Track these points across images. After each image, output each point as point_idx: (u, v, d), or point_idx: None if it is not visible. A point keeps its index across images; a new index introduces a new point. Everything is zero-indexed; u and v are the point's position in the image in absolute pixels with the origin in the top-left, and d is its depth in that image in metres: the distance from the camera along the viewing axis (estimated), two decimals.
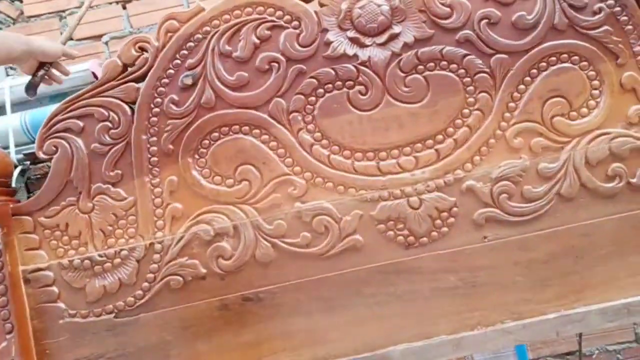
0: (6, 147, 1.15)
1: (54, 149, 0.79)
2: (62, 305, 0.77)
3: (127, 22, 1.13)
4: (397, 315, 0.75)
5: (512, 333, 0.74)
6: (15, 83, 1.18)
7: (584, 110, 0.77)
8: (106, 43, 1.12)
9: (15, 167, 1.08)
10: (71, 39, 1.13)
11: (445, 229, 0.76)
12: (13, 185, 0.85)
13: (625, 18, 0.77)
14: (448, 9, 0.78)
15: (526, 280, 0.75)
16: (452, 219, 0.76)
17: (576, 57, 0.77)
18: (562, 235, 0.76)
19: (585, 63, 0.77)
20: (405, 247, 0.77)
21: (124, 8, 1.11)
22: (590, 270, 0.75)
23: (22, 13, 1.10)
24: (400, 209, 0.76)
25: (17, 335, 0.73)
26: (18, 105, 1.21)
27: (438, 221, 0.76)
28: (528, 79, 0.77)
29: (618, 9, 0.77)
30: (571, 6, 0.77)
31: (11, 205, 0.79)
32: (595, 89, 0.77)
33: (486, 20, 0.77)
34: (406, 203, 0.76)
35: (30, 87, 0.89)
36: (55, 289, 0.77)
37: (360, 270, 0.76)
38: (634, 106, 0.76)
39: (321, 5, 0.79)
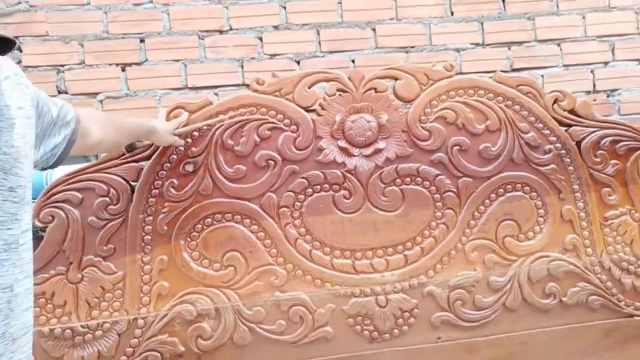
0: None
1: (51, 218, 0.86)
2: None
3: (125, 84, 1.21)
4: None
5: None
6: None
7: (530, 234, 0.94)
8: (101, 101, 1.20)
9: None
10: (66, 92, 1.20)
11: (405, 327, 0.90)
12: None
13: (569, 160, 0.95)
14: (427, 133, 0.93)
15: None
16: (412, 319, 0.90)
17: (528, 188, 0.95)
18: (504, 342, 0.91)
19: (534, 194, 0.95)
20: (370, 341, 0.89)
21: (123, 70, 1.20)
22: None
23: (20, 62, 1.16)
24: (369, 306, 0.89)
25: None
26: None
27: (400, 320, 0.90)
28: (487, 201, 0.94)
29: (564, 151, 0.95)
30: (527, 144, 0.95)
31: None
32: (541, 216, 0.94)
33: (457, 147, 0.93)
34: (374, 301, 0.89)
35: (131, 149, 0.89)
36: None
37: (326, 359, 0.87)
38: (569, 235, 0.94)
39: (318, 114, 0.92)
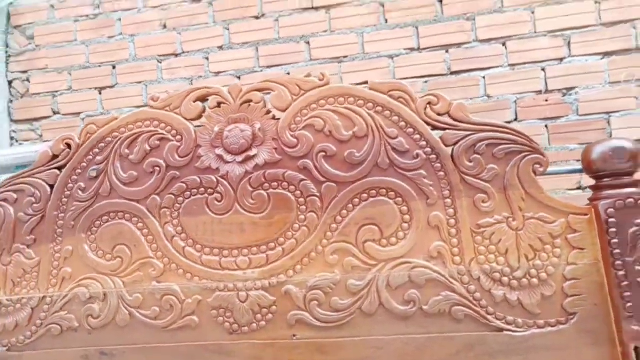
0: None
1: None
2: None
3: (100, 105, 1.49)
4: None
5: None
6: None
7: (393, 239, 0.97)
8: (82, 119, 1.49)
9: None
10: (58, 112, 1.51)
11: (263, 322, 0.99)
12: None
13: (439, 165, 0.96)
14: (295, 140, 1.02)
15: None
16: (270, 315, 0.99)
17: (393, 193, 0.98)
18: (358, 345, 0.95)
19: (400, 199, 0.97)
20: (230, 332, 1.00)
21: (100, 93, 1.47)
22: None
23: (28, 90, 1.50)
24: (230, 300, 1.00)
25: None
26: None
27: (259, 315, 0.99)
28: (350, 206, 0.99)
29: (434, 156, 0.96)
30: (394, 149, 0.98)
31: None
32: (406, 222, 0.97)
33: (323, 153, 1.01)
34: (236, 296, 1.00)
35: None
36: None
37: (191, 345, 1.01)
38: (436, 242, 0.95)
39: (199, 126, 1.06)
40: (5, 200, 1.14)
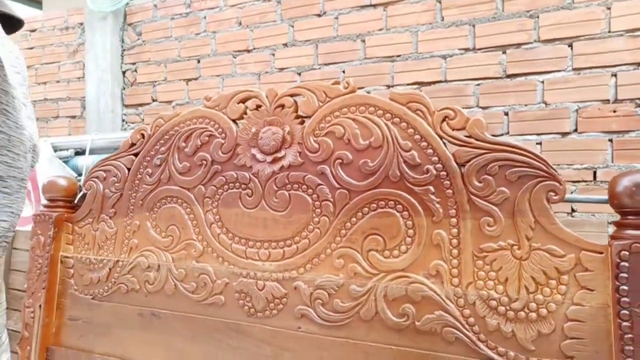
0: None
1: (90, 186, 1.39)
2: (72, 281, 1.38)
3: (187, 95, 1.70)
4: (227, 359, 1.13)
5: None
6: (95, 137, 1.92)
7: (396, 252, 1.00)
8: (173, 107, 1.72)
9: (80, 190, 1.76)
10: (156, 100, 1.77)
11: (275, 311, 1.10)
12: (77, 201, 1.50)
13: (448, 182, 0.96)
14: (317, 146, 1.09)
15: None
16: (281, 306, 1.10)
17: (400, 206, 1.00)
18: (352, 347, 1.01)
19: (406, 213, 0.99)
20: (248, 315, 1.13)
21: (187, 84, 1.68)
22: None
23: (135, 80, 1.77)
24: (250, 286, 1.13)
25: (47, 291, 1.37)
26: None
27: (272, 304, 1.11)
28: (359, 214, 1.04)
29: (444, 173, 0.96)
30: (406, 162, 1.00)
31: (65, 215, 1.42)
32: (409, 236, 0.99)
33: (340, 160, 1.06)
34: (255, 284, 1.13)
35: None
36: (71, 271, 1.39)
37: (217, 320, 1.17)
38: (436, 260, 0.96)
39: (240, 126, 1.18)
40: (97, 177, 1.40)
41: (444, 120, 0.97)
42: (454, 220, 0.95)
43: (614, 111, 1.12)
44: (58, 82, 2.35)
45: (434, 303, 0.95)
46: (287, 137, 1.13)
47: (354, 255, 1.04)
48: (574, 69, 1.16)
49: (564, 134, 1.24)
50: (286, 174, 1.13)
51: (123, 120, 1.96)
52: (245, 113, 1.20)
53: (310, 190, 1.10)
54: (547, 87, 1.19)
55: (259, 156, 1.17)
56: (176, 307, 1.24)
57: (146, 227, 1.31)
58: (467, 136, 0.95)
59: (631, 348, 0.77)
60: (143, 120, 1.90)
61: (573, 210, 1.24)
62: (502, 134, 1.30)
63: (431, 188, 0.97)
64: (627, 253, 0.79)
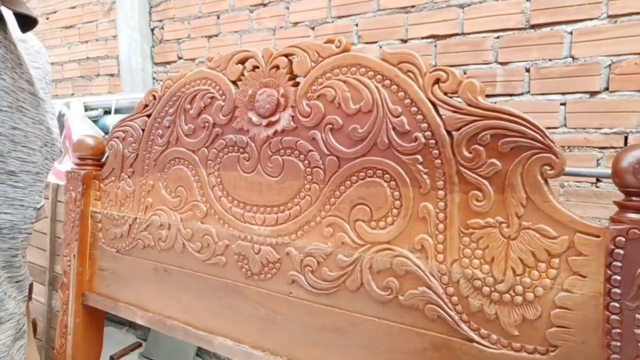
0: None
1: (111, 146, 1.45)
2: (100, 235, 1.47)
3: (208, 51, 1.67)
4: (227, 317, 1.17)
5: None
6: (120, 97, 1.94)
7: (382, 223, 0.95)
8: (196, 64, 1.70)
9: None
10: (181, 58, 1.76)
11: (269, 275, 1.11)
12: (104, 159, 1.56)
13: (437, 152, 0.88)
14: (309, 110, 1.04)
15: (305, 336, 1.05)
16: (274, 270, 1.10)
17: (387, 176, 0.94)
18: (338, 316, 1.01)
19: (393, 183, 0.94)
20: (245, 277, 1.15)
21: (208, 41, 1.65)
22: (346, 351, 0.98)
23: (163, 37, 1.77)
24: (247, 250, 1.14)
25: (80, 243, 1.47)
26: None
27: (266, 268, 1.11)
28: (348, 182, 0.99)
29: (433, 141, 0.88)
30: (394, 129, 0.93)
31: (93, 173, 1.50)
32: (396, 208, 0.93)
33: (330, 126, 1.01)
34: (251, 247, 1.13)
35: None
36: (100, 225, 1.47)
37: (219, 280, 1.20)
38: (421, 234, 0.90)
39: (238, 87, 1.15)
40: (117, 137, 1.45)
41: (435, 82, 0.88)
42: (441, 192, 0.88)
43: None
44: (97, 40, 2.42)
45: (418, 278, 0.90)
46: (281, 100, 1.09)
47: (341, 225, 1.00)
48: (609, 17, 0.97)
49: (593, 93, 1.08)
50: (280, 138, 1.09)
51: (154, 79, 1.99)
52: (243, 74, 1.16)
53: (302, 157, 1.06)
54: (575, 39, 1.01)
55: (255, 119, 1.13)
56: (184, 265, 1.29)
57: (158, 187, 1.35)
58: (460, 101, 0.85)
59: (618, 344, 0.69)
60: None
61: (598, 180, 1.09)
62: (521, 93, 1.15)
63: (419, 157, 0.90)
64: (623, 239, 0.69)
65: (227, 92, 1.19)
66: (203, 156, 1.24)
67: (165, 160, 1.33)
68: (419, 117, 0.90)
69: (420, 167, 0.90)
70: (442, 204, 0.88)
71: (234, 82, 1.19)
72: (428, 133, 0.89)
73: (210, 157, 1.23)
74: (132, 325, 2.75)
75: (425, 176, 0.89)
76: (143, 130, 1.39)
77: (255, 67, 1.14)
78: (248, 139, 1.15)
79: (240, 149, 1.17)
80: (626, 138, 1.07)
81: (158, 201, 1.35)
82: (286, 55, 1.09)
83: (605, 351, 0.70)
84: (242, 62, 1.17)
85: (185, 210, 1.28)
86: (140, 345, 2.36)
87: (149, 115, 1.37)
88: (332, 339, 1.02)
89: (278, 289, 1.11)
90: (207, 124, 1.23)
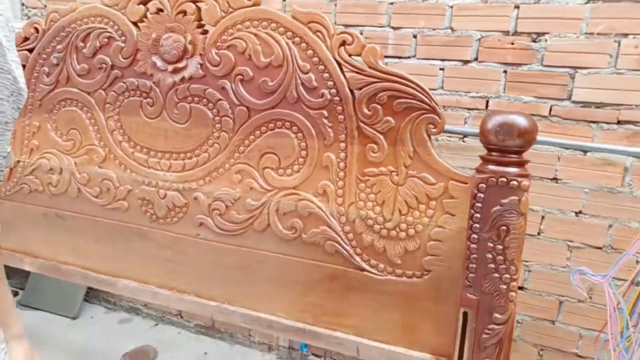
0: None
1: None
2: None
3: None
4: (130, 260, 1.20)
5: (185, 302, 1.13)
6: None
7: (289, 171, 1.04)
8: None
9: None
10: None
11: (175, 219, 1.15)
12: None
13: (340, 108, 0.98)
14: (218, 59, 1.06)
15: (212, 274, 1.12)
16: (181, 214, 1.14)
17: (295, 128, 1.02)
18: (245, 254, 1.09)
19: (300, 134, 1.02)
20: (150, 221, 1.17)
21: None
22: (253, 286, 1.09)
23: None
24: (152, 195, 1.16)
25: None
26: None
27: (172, 212, 1.15)
28: (257, 132, 1.05)
29: (337, 99, 0.97)
30: (303, 84, 1.00)
31: None
32: (302, 157, 1.03)
33: (240, 77, 1.05)
34: (156, 192, 1.15)
35: None
36: None
37: (120, 224, 1.20)
38: (324, 181, 1.01)
39: (140, 30, 1.11)
40: None
41: (342, 44, 0.97)
42: (343, 144, 0.99)
43: (512, 43, 1.15)
44: None
45: (320, 219, 1.03)
46: (189, 47, 1.09)
47: (250, 172, 1.08)
48: None
49: (465, 62, 1.27)
50: (187, 85, 1.10)
51: (22, 4, 1.74)
52: (146, 16, 1.13)
53: (210, 105, 1.09)
54: (455, 13, 1.18)
55: (160, 64, 1.12)
56: (81, 210, 1.25)
57: (46, 128, 1.27)
58: (362, 63, 0.96)
59: (474, 265, 0.89)
60: (45, 6, 1.71)
61: (465, 136, 1.31)
62: (409, 57, 1.30)
63: (325, 112, 1.00)
64: (484, 185, 0.87)
65: (127, 33, 1.14)
66: (100, 98, 1.19)
67: (53, 101, 1.25)
68: (326, 75, 0.98)
69: (325, 121, 1.00)
70: (343, 154, 1.00)
71: (134, 24, 1.15)
72: (333, 90, 0.98)
73: (109, 100, 1.19)
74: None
75: (329, 129, 1.00)
76: (24, 65, 1.27)
77: (160, 10, 1.11)
78: (152, 84, 1.13)
79: (144, 94, 1.15)
80: (487, 102, 1.28)
81: (46, 144, 1.27)
82: (194, 2, 1.08)
83: (464, 272, 0.90)
84: (144, 3, 1.13)
85: (80, 154, 1.23)
86: (17, 294, 2.21)
87: (30, 50, 1.26)
88: (240, 276, 1.11)
89: (185, 232, 1.15)
90: (104, 65, 1.17)
